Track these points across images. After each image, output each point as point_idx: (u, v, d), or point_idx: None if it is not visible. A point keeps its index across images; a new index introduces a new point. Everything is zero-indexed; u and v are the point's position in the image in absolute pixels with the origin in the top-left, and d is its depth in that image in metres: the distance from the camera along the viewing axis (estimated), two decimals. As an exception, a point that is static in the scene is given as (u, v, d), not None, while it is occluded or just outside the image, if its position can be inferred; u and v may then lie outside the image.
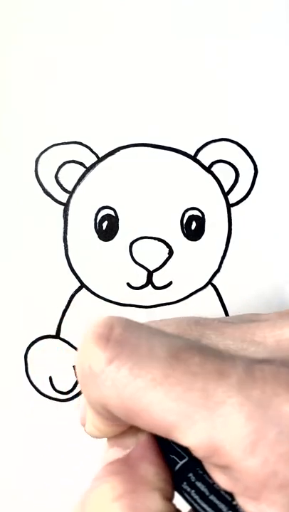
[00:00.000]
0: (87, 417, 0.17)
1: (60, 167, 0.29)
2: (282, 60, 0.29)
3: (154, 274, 0.29)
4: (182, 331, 0.18)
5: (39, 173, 0.29)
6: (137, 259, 0.29)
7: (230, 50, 0.29)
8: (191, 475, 0.15)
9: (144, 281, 0.29)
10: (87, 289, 0.30)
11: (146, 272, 0.29)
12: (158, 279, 0.29)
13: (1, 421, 0.31)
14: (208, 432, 0.13)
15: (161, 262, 0.29)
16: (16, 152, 0.29)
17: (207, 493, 0.14)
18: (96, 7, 0.28)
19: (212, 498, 0.14)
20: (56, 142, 0.29)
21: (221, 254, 0.30)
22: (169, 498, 0.16)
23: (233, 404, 0.13)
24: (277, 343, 0.16)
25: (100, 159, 0.29)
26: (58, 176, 0.29)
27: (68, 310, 0.30)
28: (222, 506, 0.14)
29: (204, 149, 0.29)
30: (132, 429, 0.17)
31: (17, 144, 0.29)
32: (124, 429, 0.17)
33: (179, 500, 0.16)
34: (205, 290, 0.30)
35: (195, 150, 0.29)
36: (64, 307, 0.30)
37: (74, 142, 0.29)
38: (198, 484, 0.14)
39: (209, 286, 0.30)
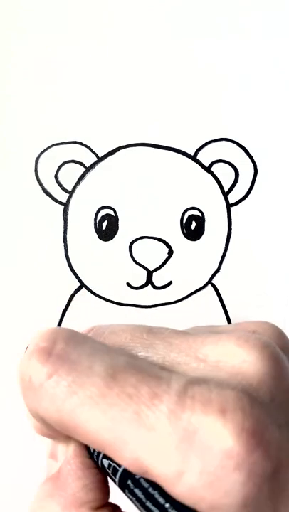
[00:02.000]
0: (32, 419, 0.18)
1: (59, 167, 0.29)
2: (282, 61, 0.29)
3: (154, 273, 0.29)
4: (135, 338, 0.18)
5: (39, 173, 0.29)
6: (136, 259, 0.29)
7: (230, 50, 0.29)
8: (129, 482, 0.15)
9: (143, 281, 0.29)
10: (87, 288, 0.30)
11: (146, 272, 0.29)
12: (158, 278, 0.29)
13: (1, 421, 0.31)
14: (140, 454, 0.14)
15: (161, 262, 0.29)
16: (16, 152, 0.29)
17: (144, 500, 0.15)
18: (96, 8, 0.29)
19: (148, 504, 0.15)
20: (56, 142, 0.29)
21: (221, 254, 0.30)
22: (99, 506, 0.17)
23: (162, 432, 0.14)
24: (216, 362, 0.16)
25: (99, 159, 0.29)
26: (58, 175, 0.29)
27: (68, 310, 0.30)
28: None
29: (204, 149, 0.29)
30: (65, 437, 0.17)
31: (17, 144, 0.29)
32: (60, 435, 0.17)
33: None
34: (205, 290, 0.30)
35: (195, 150, 0.29)
36: (64, 307, 0.30)
37: (74, 142, 0.29)
38: (136, 491, 0.15)
39: (209, 285, 0.30)
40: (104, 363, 0.15)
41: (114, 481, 0.16)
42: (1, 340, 0.30)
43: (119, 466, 0.15)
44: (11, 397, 0.30)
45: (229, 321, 0.30)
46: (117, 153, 0.29)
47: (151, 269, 0.29)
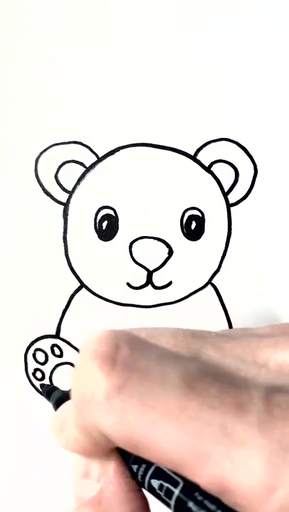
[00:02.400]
0: (69, 432, 0.16)
1: (59, 167, 0.29)
2: (282, 61, 0.29)
3: (154, 273, 0.29)
4: (179, 343, 0.16)
5: (39, 173, 0.29)
6: (136, 259, 0.29)
7: (230, 50, 0.29)
8: (191, 504, 0.13)
9: (143, 281, 0.29)
10: (87, 288, 0.30)
11: (146, 272, 0.29)
12: (158, 278, 0.29)
13: (1, 421, 0.31)
14: (224, 471, 0.12)
15: (161, 262, 0.29)
16: (16, 152, 0.29)
17: None
18: (96, 7, 0.29)
19: None
20: (56, 142, 0.29)
21: (221, 254, 0.30)
22: None
23: (253, 445, 0.12)
24: (279, 367, 0.15)
25: (99, 159, 0.29)
26: (58, 175, 0.29)
27: (68, 310, 0.30)
28: None
29: (204, 149, 0.29)
30: (103, 455, 0.16)
31: (17, 144, 0.29)
32: (103, 452, 0.16)
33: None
34: (205, 290, 0.30)
35: (195, 150, 0.29)
36: (64, 307, 0.30)
37: (74, 142, 0.29)
38: None
39: (209, 286, 0.30)
40: (177, 371, 0.13)
41: (167, 504, 0.14)
42: (1, 340, 0.30)
43: (175, 486, 0.14)
44: (11, 397, 0.30)
45: (229, 321, 0.30)
46: (117, 153, 0.29)
47: (151, 269, 0.29)
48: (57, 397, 0.23)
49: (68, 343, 0.30)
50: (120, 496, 0.15)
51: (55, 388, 0.24)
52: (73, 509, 0.16)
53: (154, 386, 0.13)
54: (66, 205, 0.29)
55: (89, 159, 0.29)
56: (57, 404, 0.23)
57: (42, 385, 0.27)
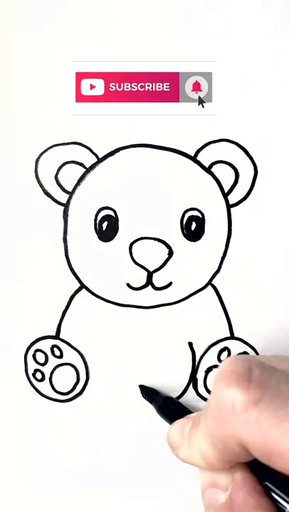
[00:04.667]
0: (194, 447, 0.18)
1: (60, 168, 0.29)
2: (282, 61, 0.29)
3: (154, 274, 0.29)
4: None
5: (39, 174, 0.29)
6: (136, 260, 0.29)
7: (229, 49, 0.29)
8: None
9: (144, 281, 0.29)
10: (87, 289, 0.30)
11: (146, 273, 0.29)
12: (158, 279, 0.29)
13: (1, 421, 0.31)
14: None
15: (161, 263, 0.29)
16: (16, 152, 0.29)
17: None
18: (96, 7, 0.28)
19: None
20: (56, 143, 0.29)
21: (221, 255, 0.30)
22: None
23: None
24: None
25: (99, 160, 0.29)
26: (58, 176, 0.29)
27: (68, 310, 0.30)
28: None
29: (204, 150, 0.29)
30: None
31: (17, 145, 0.29)
32: (229, 466, 0.18)
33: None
34: (205, 291, 0.30)
35: (195, 150, 0.29)
36: (64, 308, 0.30)
37: (74, 143, 0.29)
38: None
39: (209, 286, 0.30)
40: None
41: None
42: (1, 340, 0.30)
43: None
44: (10, 397, 0.30)
45: (229, 322, 0.30)
46: (117, 154, 0.29)
47: (151, 270, 0.29)
48: (161, 403, 0.28)
49: (68, 343, 0.30)
50: (250, 502, 0.17)
51: (157, 392, 0.29)
52: None
53: (286, 401, 0.15)
54: (66, 205, 0.29)
55: (89, 160, 0.29)
56: (161, 410, 0.28)
57: (142, 386, 0.29)
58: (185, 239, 0.29)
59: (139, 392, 0.30)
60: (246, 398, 0.16)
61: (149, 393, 0.29)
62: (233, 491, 0.18)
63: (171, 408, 0.28)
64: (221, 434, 0.17)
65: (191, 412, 0.26)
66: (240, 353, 0.30)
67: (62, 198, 0.29)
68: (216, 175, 0.29)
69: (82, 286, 0.30)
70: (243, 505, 0.17)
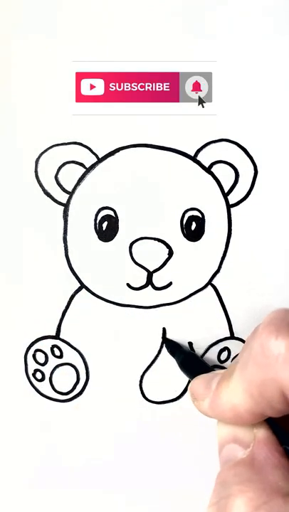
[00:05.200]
0: (224, 399, 0.18)
1: (60, 167, 0.29)
2: (282, 61, 0.29)
3: (154, 274, 0.29)
4: None
5: (39, 174, 0.29)
6: (136, 260, 0.29)
7: (229, 49, 0.29)
8: None
9: (144, 281, 0.29)
10: (87, 289, 0.30)
11: (146, 273, 0.29)
12: (158, 279, 0.29)
13: (1, 421, 0.31)
14: None
15: (161, 263, 0.29)
16: (16, 152, 0.29)
17: None
18: (96, 8, 0.28)
19: None
20: (56, 143, 0.29)
21: (221, 255, 0.30)
22: None
23: None
24: None
25: (99, 160, 0.29)
26: (58, 176, 0.29)
27: (68, 311, 0.30)
28: None
29: (204, 150, 0.29)
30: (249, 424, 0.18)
31: (17, 145, 0.29)
32: (258, 420, 0.18)
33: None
34: (205, 291, 0.30)
35: (195, 150, 0.29)
36: (64, 308, 0.30)
37: (74, 143, 0.29)
38: None
39: (209, 286, 0.30)
40: None
41: None
42: (1, 340, 0.30)
43: None
44: (10, 397, 0.30)
45: (229, 322, 0.30)
46: (117, 154, 0.29)
47: (151, 270, 0.29)
48: (182, 358, 0.28)
49: (68, 343, 0.30)
50: (272, 461, 0.17)
51: (180, 346, 0.29)
52: (222, 470, 0.17)
53: None
54: (66, 205, 0.29)
55: (89, 160, 0.29)
56: (183, 365, 0.28)
57: (166, 340, 0.30)
58: (185, 239, 0.29)
59: (139, 392, 0.30)
60: (281, 344, 0.16)
61: (172, 347, 0.29)
62: (256, 448, 0.18)
63: (193, 363, 0.28)
64: (262, 379, 0.17)
65: (214, 370, 0.26)
66: (240, 353, 0.30)
67: (63, 198, 0.29)
68: (216, 175, 0.29)
69: (82, 286, 0.30)
70: (264, 462, 0.17)
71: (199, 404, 0.21)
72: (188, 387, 0.23)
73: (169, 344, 0.30)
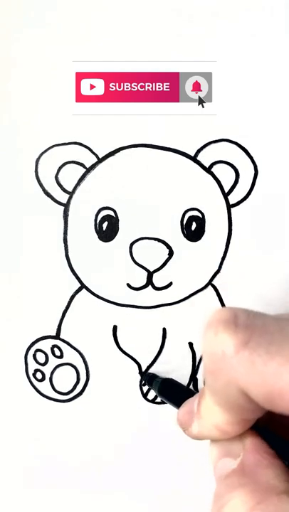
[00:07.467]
0: (205, 418, 0.18)
1: (60, 168, 0.29)
2: (282, 61, 0.29)
3: (154, 274, 0.29)
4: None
5: (39, 174, 0.29)
6: (137, 260, 0.29)
7: (230, 49, 0.29)
8: None
9: (144, 281, 0.29)
10: (88, 289, 0.30)
11: (146, 273, 0.29)
12: (158, 279, 0.29)
13: (1, 421, 0.31)
14: None
15: (162, 263, 0.29)
16: (16, 152, 0.29)
17: None
18: (96, 7, 0.28)
19: None
20: (56, 143, 0.29)
21: (221, 255, 0.30)
22: None
23: None
24: None
25: (100, 160, 0.29)
26: (58, 176, 0.29)
27: (68, 311, 0.30)
28: None
29: (204, 150, 0.29)
30: (236, 436, 0.18)
31: (17, 145, 0.29)
32: (242, 430, 0.17)
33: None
34: (205, 291, 0.30)
35: (195, 151, 0.29)
36: (64, 308, 0.30)
37: (74, 143, 0.29)
38: None
39: (209, 286, 0.30)
40: None
41: None
42: (1, 340, 0.30)
43: None
44: (11, 397, 0.30)
45: (229, 322, 0.30)
46: (117, 154, 0.29)
47: (151, 270, 0.29)
48: (159, 386, 0.27)
49: (68, 343, 0.30)
50: (263, 463, 0.17)
51: (155, 376, 0.29)
52: (217, 486, 0.17)
53: (274, 337, 0.15)
54: (66, 205, 0.29)
55: (89, 160, 0.29)
56: (160, 392, 0.27)
57: (143, 373, 0.29)
58: (185, 239, 0.29)
59: (139, 392, 0.30)
60: (235, 341, 0.15)
61: (148, 379, 0.29)
62: (245, 455, 0.17)
63: (171, 390, 0.28)
64: (220, 386, 0.16)
65: (195, 392, 0.26)
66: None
67: (63, 198, 0.29)
68: (216, 175, 0.29)
69: (82, 286, 0.30)
70: (254, 466, 0.17)
71: (189, 432, 0.20)
72: (176, 420, 0.22)
73: (145, 377, 0.29)
